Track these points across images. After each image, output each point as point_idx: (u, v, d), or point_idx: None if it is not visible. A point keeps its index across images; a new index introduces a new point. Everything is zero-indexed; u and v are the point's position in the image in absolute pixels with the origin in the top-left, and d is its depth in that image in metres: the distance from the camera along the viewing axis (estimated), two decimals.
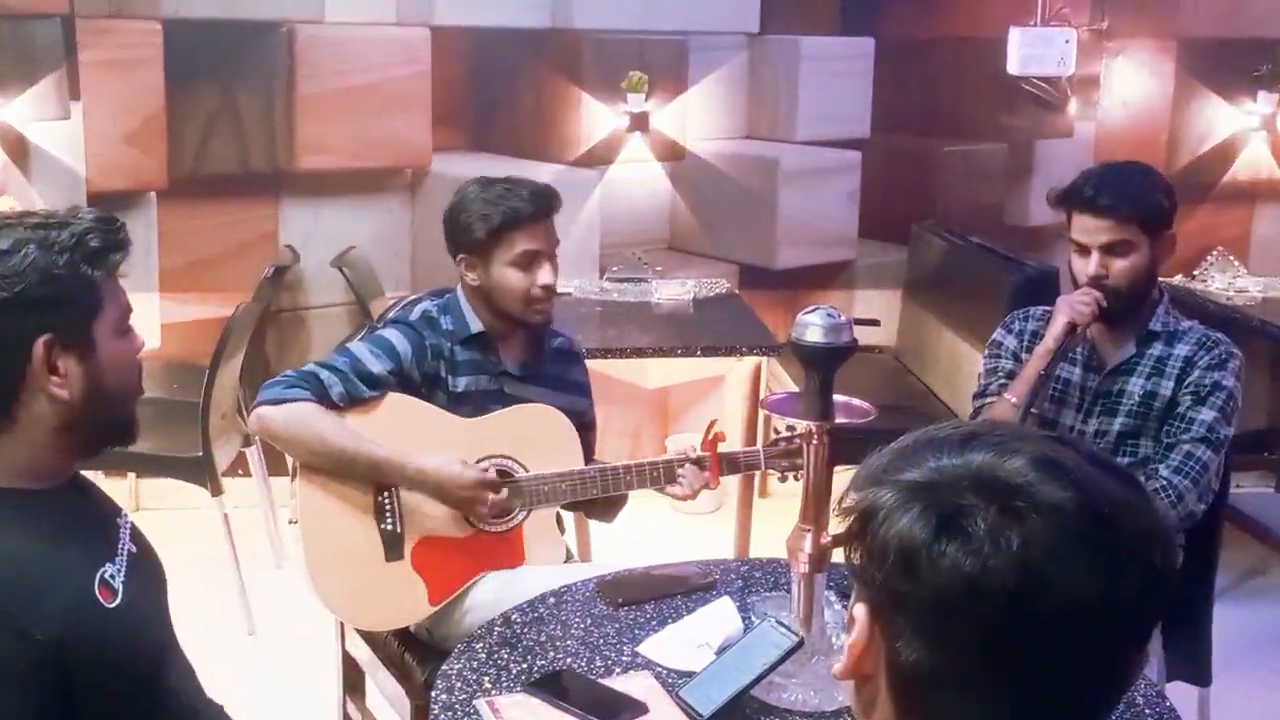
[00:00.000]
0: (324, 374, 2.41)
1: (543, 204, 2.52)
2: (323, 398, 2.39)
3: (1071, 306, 2.48)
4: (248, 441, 4.04)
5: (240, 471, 4.15)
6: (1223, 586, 3.44)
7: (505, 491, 2.42)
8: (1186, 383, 2.51)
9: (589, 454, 2.70)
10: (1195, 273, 4.70)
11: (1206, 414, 2.47)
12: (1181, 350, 2.54)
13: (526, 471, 2.50)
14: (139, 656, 1.58)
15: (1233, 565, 4.05)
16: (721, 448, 2.51)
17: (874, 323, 1.98)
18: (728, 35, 4.70)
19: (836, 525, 0.97)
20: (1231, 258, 4.75)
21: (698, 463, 2.50)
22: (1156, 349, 2.55)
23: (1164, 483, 2.44)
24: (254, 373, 4.04)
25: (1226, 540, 2.78)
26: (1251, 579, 4.14)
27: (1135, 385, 2.54)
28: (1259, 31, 4.87)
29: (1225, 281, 4.66)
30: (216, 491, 3.67)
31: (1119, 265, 2.49)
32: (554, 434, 2.55)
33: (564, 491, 2.50)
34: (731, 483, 4.06)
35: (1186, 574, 2.60)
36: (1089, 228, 2.50)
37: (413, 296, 2.77)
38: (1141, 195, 2.51)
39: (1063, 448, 0.94)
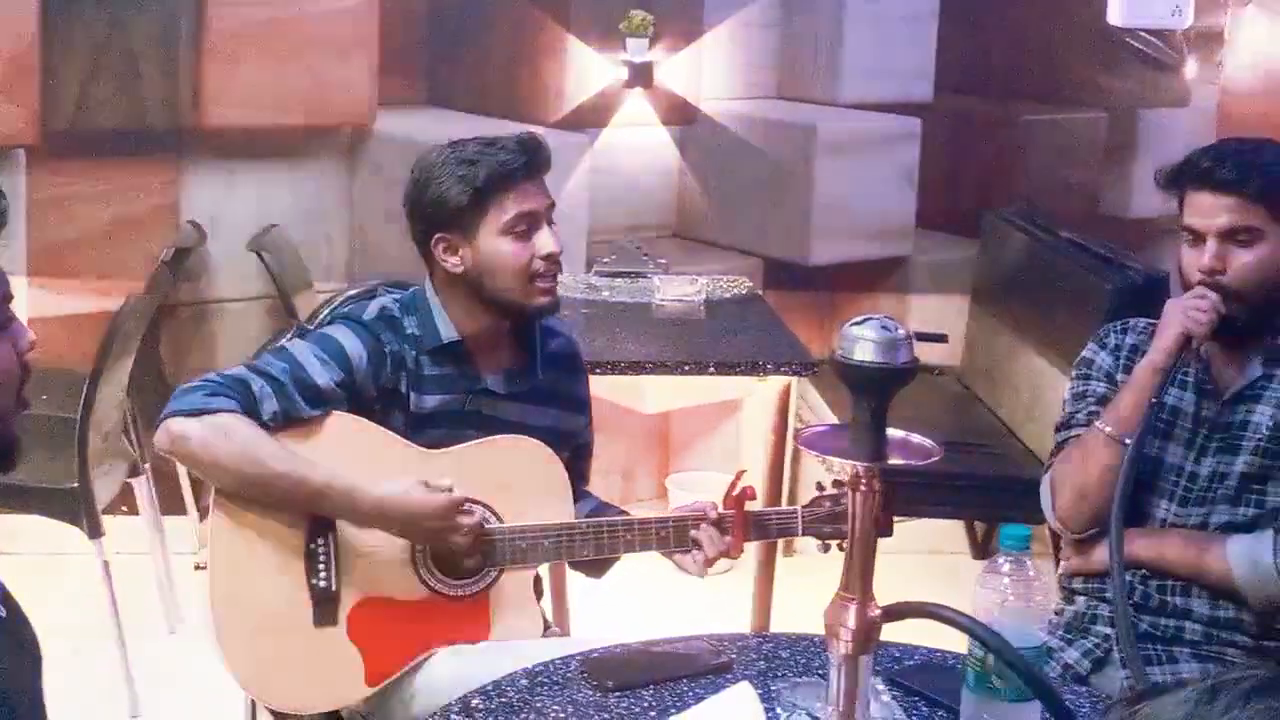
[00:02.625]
0: (256, 383, 2.40)
1: (535, 156, 2.53)
2: (251, 413, 2.39)
3: (1185, 313, 2.49)
4: (135, 470, 4.05)
5: (125, 508, 4.15)
6: None
7: (479, 513, 2.43)
8: None
9: (583, 481, 2.73)
10: None
11: None
12: None
13: (501, 522, 2.50)
14: None
15: None
16: (750, 506, 2.52)
17: (941, 338, 1.99)
18: None
19: None
20: None
21: (718, 524, 2.51)
22: None
23: None
24: (144, 383, 4.05)
25: None
26: None
27: (1262, 416, 2.55)
28: None
29: None
30: (96, 533, 3.67)
31: (1241, 259, 2.50)
32: (539, 475, 2.55)
33: (547, 550, 2.51)
34: None
35: None
36: (1205, 208, 2.51)
37: (365, 287, 2.77)
38: (1274, 172, 2.54)
39: None
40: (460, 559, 2.47)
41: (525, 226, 2.50)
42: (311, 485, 2.38)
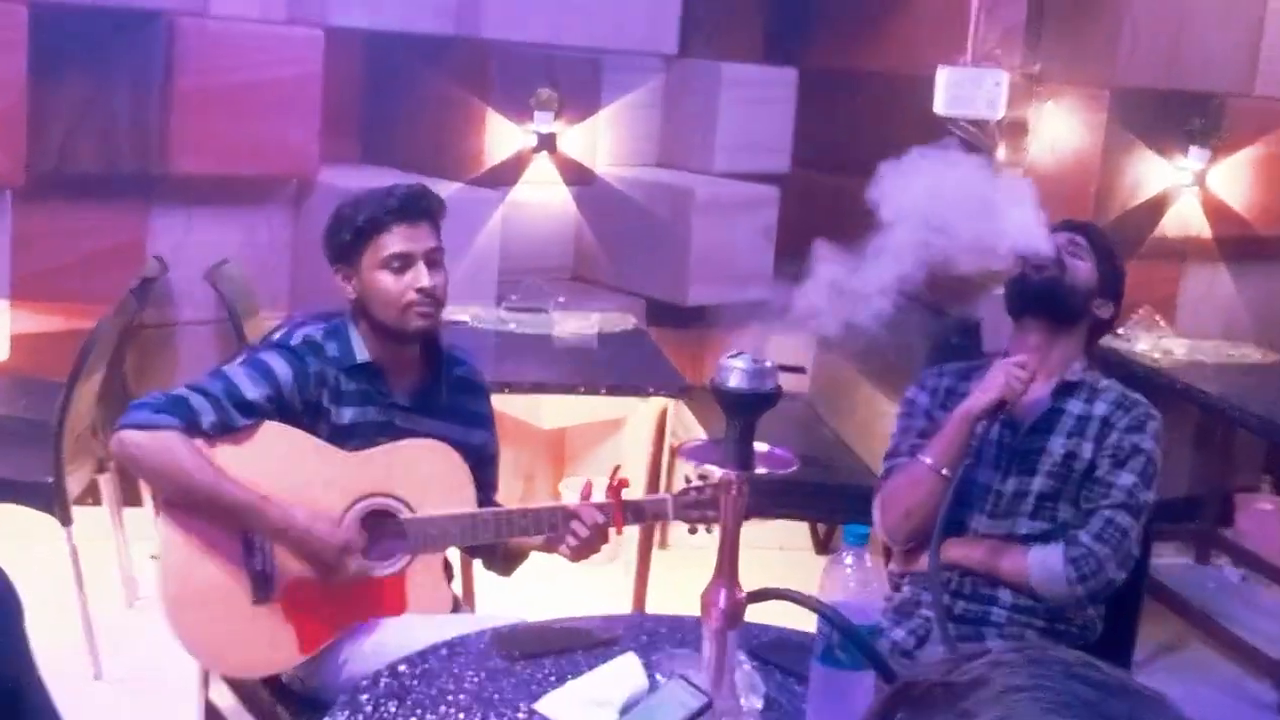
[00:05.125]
0: (195, 399, 2.40)
1: (413, 205, 2.54)
2: (192, 426, 2.38)
3: (1009, 379, 2.57)
4: (101, 468, 3.98)
5: (90, 500, 4.08)
6: (1140, 660, 3.56)
7: (356, 565, 2.44)
8: (1105, 445, 2.60)
9: (491, 489, 2.73)
10: (1120, 331, 4.85)
11: (1126, 478, 2.57)
12: (1099, 410, 2.64)
13: (413, 512, 2.50)
14: None
15: (1151, 639, 4.19)
16: (626, 495, 2.55)
17: (799, 370, 2.04)
18: (644, 56, 4.78)
19: None
20: (1158, 318, 4.94)
21: (600, 510, 2.53)
22: (1075, 406, 2.65)
23: (1084, 550, 2.53)
24: (112, 393, 3.98)
25: (1145, 613, 2.89)
26: (1170, 654, 4.29)
27: (1056, 444, 2.63)
28: (1193, 84, 5.10)
29: (1151, 342, 4.83)
30: (66, 521, 3.60)
31: (1074, 263, 2.64)
32: (445, 472, 2.55)
33: (454, 535, 2.52)
34: (631, 533, 4.10)
35: (1104, 648, 2.69)
36: (1060, 235, 2.68)
37: (299, 318, 2.78)
38: (1110, 244, 2.76)
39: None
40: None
41: (400, 264, 2.52)
42: (228, 502, 2.38)
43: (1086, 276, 2.65)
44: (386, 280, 2.52)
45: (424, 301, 2.53)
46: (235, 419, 2.42)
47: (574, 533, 2.52)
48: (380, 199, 2.54)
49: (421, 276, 2.52)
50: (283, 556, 2.43)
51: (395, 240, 2.52)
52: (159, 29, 4.36)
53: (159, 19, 4.35)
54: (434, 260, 2.56)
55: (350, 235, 2.53)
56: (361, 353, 2.56)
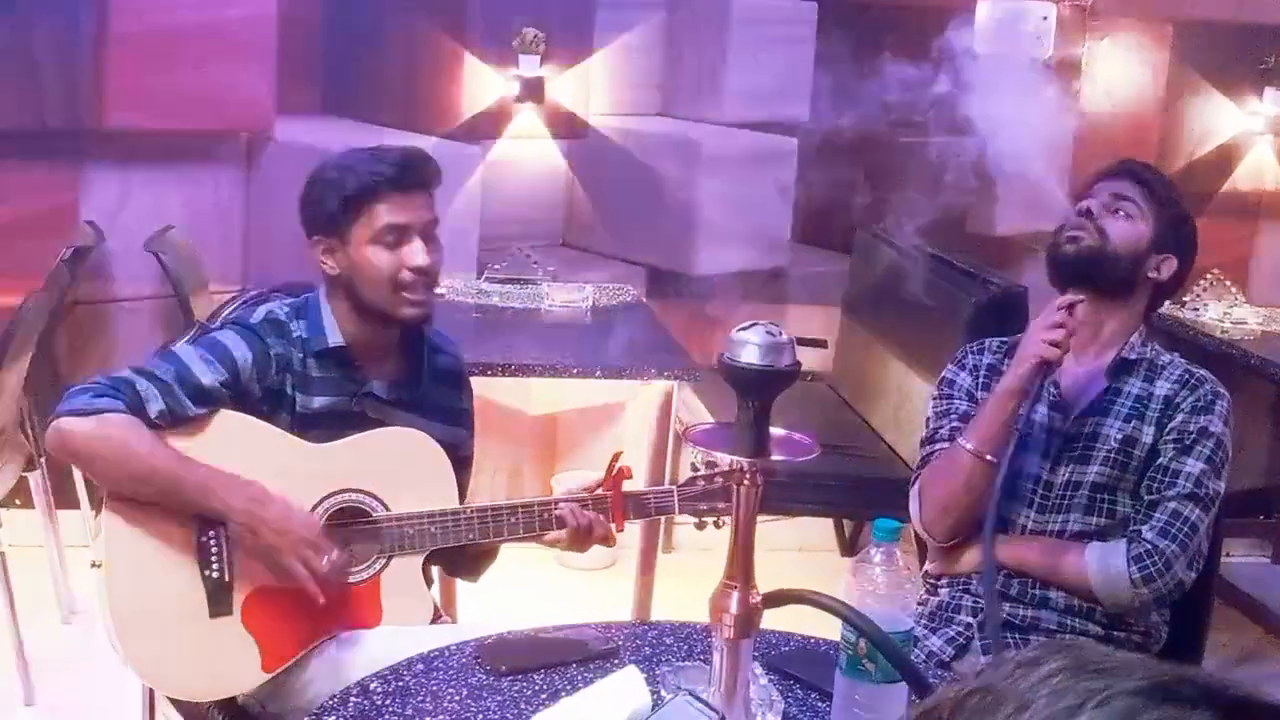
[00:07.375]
0: (141, 384, 2.40)
1: (413, 171, 2.53)
2: (138, 412, 2.38)
3: (1041, 342, 2.56)
4: (30, 465, 3.99)
5: (19, 502, 4.09)
6: (1211, 672, 3.56)
7: (336, 556, 2.44)
8: (1169, 429, 2.60)
9: (462, 497, 2.73)
10: (1186, 299, 4.85)
11: (1193, 465, 2.57)
12: (1161, 389, 2.63)
13: (387, 510, 2.51)
14: None
15: (1223, 648, 4.19)
16: (627, 486, 2.55)
17: (820, 343, 2.05)
18: None
19: None
20: (1228, 283, 4.93)
21: (598, 503, 2.53)
22: (1134, 386, 2.64)
23: (1148, 547, 2.53)
24: (41, 379, 3.99)
25: (1215, 618, 2.89)
26: (1243, 664, 4.29)
27: (1112, 428, 2.62)
28: (1269, 16, 5.08)
29: (1220, 311, 4.83)
30: None
31: (1118, 225, 2.62)
32: (423, 465, 2.55)
33: (434, 535, 2.51)
34: (631, 533, 4.12)
35: (1169, 657, 2.70)
36: (1102, 186, 2.66)
37: (255, 292, 2.77)
38: (1169, 189, 2.71)
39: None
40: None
41: (394, 238, 2.50)
42: (190, 482, 2.37)
43: (1132, 238, 2.63)
44: (379, 256, 2.51)
45: (418, 282, 2.53)
46: (187, 407, 2.41)
47: (559, 520, 2.52)
48: (372, 162, 2.51)
49: (418, 253, 2.52)
50: (244, 564, 2.43)
51: (390, 210, 2.50)
52: None
53: None
54: (430, 235, 2.55)
55: (338, 203, 2.50)
56: (334, 335, 2.56)
